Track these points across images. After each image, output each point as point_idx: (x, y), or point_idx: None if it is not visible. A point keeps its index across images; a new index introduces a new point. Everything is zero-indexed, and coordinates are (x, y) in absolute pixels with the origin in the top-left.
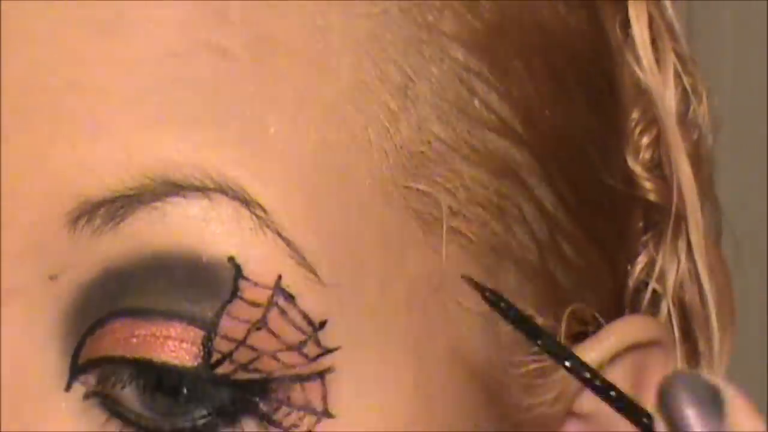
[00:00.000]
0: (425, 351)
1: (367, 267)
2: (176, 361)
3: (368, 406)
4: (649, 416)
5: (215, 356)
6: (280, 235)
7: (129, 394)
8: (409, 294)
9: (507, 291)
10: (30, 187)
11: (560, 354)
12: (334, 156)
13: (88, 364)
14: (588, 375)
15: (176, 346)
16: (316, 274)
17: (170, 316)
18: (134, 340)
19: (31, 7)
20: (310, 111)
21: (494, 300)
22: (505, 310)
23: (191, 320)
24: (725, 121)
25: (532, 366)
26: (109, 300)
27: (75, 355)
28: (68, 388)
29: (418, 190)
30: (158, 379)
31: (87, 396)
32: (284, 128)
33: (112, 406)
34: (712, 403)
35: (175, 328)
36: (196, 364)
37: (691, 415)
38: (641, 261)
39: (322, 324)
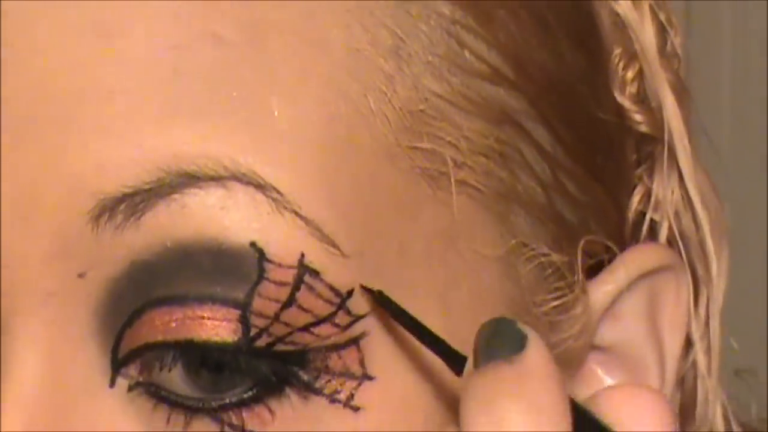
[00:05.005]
0: (451, 301)
1: (385, 231)
2: (217, 338)
3: (405, 363)
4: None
5: (253, 330)
6: (297, 214)
7: (173, 377)
8: (428, 250)
9: (521, 235)
10: (48, 193)
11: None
12: (338, 128)
13: (129, 356)
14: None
15: (215, 325)
16: (337, 247)
17: (203, 299)
18: (173, 324)
19: (29, 14)
20: (309, 87)
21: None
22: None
23: (224, 302)
24: (725, 121)
25: (554, 303)
26: (140, 291)
27: (115, 350)
28: (112, 383)
29: (422, 148)
30: (201, 358)
31: (131, 388)
32: (287, 108)
33: (157, 392)
34: (515, 339)
35: (211, 309)
36: (236, 338)
37: (492, 344)
38: (638, 193)
39: (350, 293)
